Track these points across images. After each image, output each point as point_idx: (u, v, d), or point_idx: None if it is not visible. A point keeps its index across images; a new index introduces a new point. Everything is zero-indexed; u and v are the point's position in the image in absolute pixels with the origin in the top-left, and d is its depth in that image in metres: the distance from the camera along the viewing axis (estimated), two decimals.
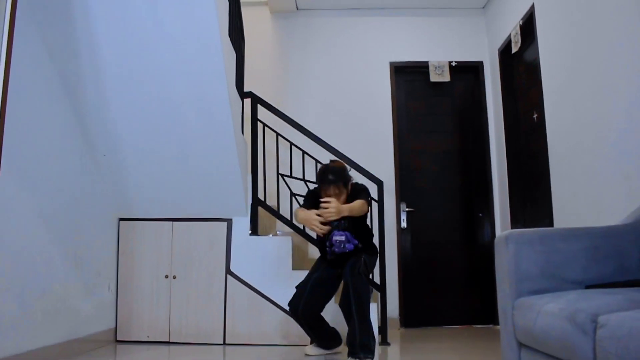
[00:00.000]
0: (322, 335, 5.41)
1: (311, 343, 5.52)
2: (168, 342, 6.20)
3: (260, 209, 6.53)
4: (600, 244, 3.42)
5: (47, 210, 4.92)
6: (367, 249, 5.33)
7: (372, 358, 4.85)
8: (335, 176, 5.17)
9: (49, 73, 5.02)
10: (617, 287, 3.12)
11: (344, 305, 5.00)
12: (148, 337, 6.23)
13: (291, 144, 6.58)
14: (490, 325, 7.65)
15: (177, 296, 6.26)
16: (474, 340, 6.66)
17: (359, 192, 5.29)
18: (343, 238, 5.18)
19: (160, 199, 6.26)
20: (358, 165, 6.43)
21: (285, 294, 5.65)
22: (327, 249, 5.27)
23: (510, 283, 3.35)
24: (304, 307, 5.15)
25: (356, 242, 5.21)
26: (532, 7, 6.40)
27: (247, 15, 7.28)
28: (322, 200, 5.02)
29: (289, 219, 6.50)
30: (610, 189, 4.82)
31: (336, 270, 5.29)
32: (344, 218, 5.13)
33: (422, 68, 8.27)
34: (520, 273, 3.33)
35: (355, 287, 4.88)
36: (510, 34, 7.14)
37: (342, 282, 5.07)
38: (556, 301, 2.84)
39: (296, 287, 5.30)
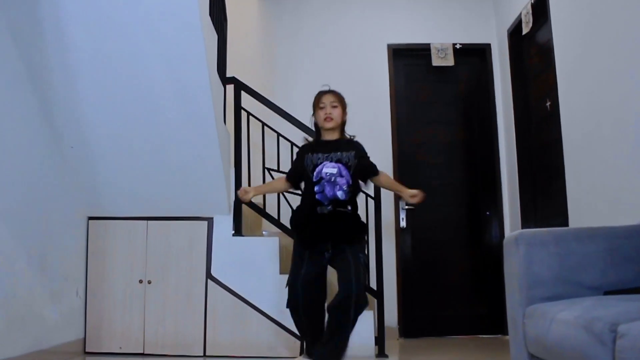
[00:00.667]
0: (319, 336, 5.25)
1: (301, 354, 5.50)
2: (142, 354, 6.18)
3: (244, 206, 6.48)
4: (620, 246, 3.43)
5: (9, 209, 4.91)
6: (357, 220, 5.18)
7: None
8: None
9: (11, 56, 5.00)
10: (639, 293, 3.12)
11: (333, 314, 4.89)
12: (120, 348, 6.20)
13: (278, 134, 6.57)
14: (499, 335, 7.67)
15: (152, 303, 6.24)
16: (480, 351, 6.69)
17: (364, 154, 5.26)
18: (335, 170, 4.95)
19: (134, 195, 6.23)
20: None
21: (272, 300, 5.67)
22: (317, 195, 5.03)
23: (521, 288, 3.36)
24: (304, 307, 5.00)
25: (349, 181, 4.99)
26: None
27: None
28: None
29: (277, 217, 6.49)
30: (631, 184, 4.79)
31: (323, 257, 5.05)
32: (337, 149, 5.09)
33: (423, 51, 8.27)
34: (532, 277, 3.33)
35: (356, 309, 4.80)
36: (520, 14, 7.12)
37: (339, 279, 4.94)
38: (571, 308, 2.84)
39: (288, 286, 5.11)
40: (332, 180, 4.91)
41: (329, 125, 5.10)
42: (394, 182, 5.57)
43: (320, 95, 5.22)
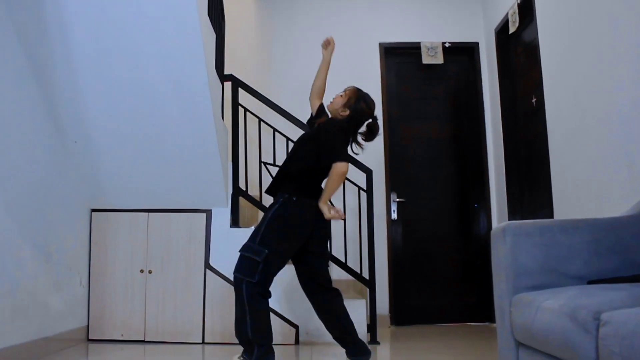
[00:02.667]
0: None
1: (297, 343, 5.43)
2: (143, 341, 6.19)
3: (241, 199, 6.53)
4: (603, 237, 3.44)
5: (14, 201, 4.90)
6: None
7: None
8: None
9: (16, 54, 4.98)
10: (621, 282, 3.12)
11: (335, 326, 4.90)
12: (122, 335, 6.21)
13: (274, 130, 6.56)
14: (487, 323, 7.69)
15: (153, 292, 6.25)
16: (469, 338, 6.69)
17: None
18: None
19: (135, 188, 6.23)
20: None
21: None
22: None
23: (508, 278, 3.36)
24: None
25: None
26: None
27: None
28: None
29: None
30: (614, 178, 4.81)
31: None
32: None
33: (413, 49, 8.29)
34: (518, 267, 3.33)
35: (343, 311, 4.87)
36: (507, 13, 7.13)
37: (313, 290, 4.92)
38: (556, 297, 2.85)
39: None
40: None
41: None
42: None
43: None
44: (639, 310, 2.20)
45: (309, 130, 5.26)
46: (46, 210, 5.43)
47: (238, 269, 4.56)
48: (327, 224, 4.95)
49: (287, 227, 4.68)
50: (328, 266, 5.30)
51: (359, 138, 5.16)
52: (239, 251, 4.62)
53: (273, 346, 4.54)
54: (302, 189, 4.76)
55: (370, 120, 5.14)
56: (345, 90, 5.15)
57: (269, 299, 4.63)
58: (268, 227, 4.65)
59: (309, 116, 5.46)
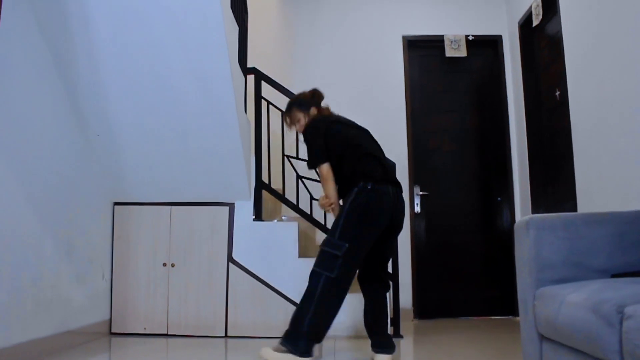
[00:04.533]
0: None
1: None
2: (166, 335, 6.21)
3: (264, 192, 6.51)
4: (627, 230, 3.42)
5: (38, 195, 4.92)
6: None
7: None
8: None
9: (40, 49, 5.01)
10: None
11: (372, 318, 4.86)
12: (145, 329, 6.24)
13: None
14: (510, 317, 7.67)
15: (175, 285, 6.27)
16: (492, 332, 6.67)
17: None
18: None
19: (158, 182, 6.25)
20: None
21: (290, 283, 5.68)
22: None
23: (531, 271, 3.35)
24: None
25: None
26: None
27: None
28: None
29: (295, 203, 6.47)
30: (638, 172, 4.80)
31: None
32: None
33: (437, 42, 8.28)
34: (542, 261, 3.32)
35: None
36: (531, 6, 7.10)
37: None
38: (580, 291, 2.83)
39: None
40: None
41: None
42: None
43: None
44: None
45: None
46: (69, 203, 5.45)
47: (317, 264, 4.52)
48: (402, 213, 4.90)
49: (366, 217, 4.60)
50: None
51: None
52: (320, 246, 4.59)
53: None
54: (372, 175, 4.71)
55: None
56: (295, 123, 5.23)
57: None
58: (346, 219, 4.59)
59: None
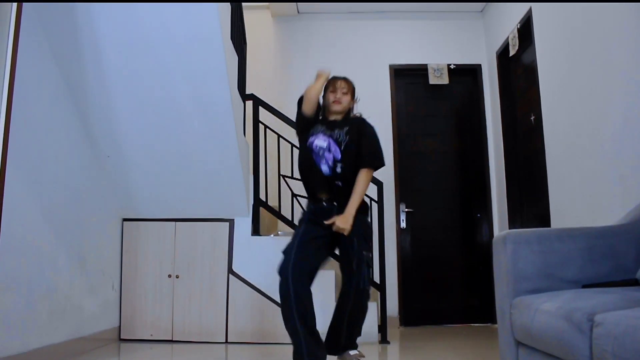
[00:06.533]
0: (313, 326, 4.48)
1: None
2: (171, 341, 6.22)
3: (261, 209, 6.56)
4: (597, 244, 3.43)
5: (53, 211, 4.94)
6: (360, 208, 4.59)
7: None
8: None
9: (54, 75, 5.04)
10: (613, 286, 3.13)
11: (339, 313, 4.61)
12: (151, 335, 6.25)
13: (292, 145, 6.55)
14: (489, 324, 7.65)
15: (180, 295, 6.28)
16: (472, 338, 6.67)
17: (365, 132, 4.84)
18: (324, 144, 4.62)
19: (164, 199, 6.28)
20: None
21: None
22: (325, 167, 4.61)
23: (508, 282, 3.36)
24: (293, 268, 4.34)
25: (337, 157, 4.57)
26: (530, 11, 6.41)
27: (249, 18, 7.29)
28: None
29: (290, 219, 6.50)
30: (606, 190, 4.84)
31: (322, 230, 4.50)
32: (334, 128, 4.73)
33: (421, 71, 8.28)
34: (518, 272, 3.33)
35: (358, 307, 4.51)
36: (508, 37, 7.14)
37: (344, 281, 4.56)
38: (553, 300, 2.85)
39: (283, 252, 4.50)
40: (320, 154, 4.58)
41: (336, 108, 4.78)
42: (356, 193, 4.56)
43: (334, 80, 4.91)
44: (630, 312, 2.20)
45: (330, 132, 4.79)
46: (81, 219, 5.46)
47: (366, 282, 4.42)
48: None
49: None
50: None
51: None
52: (363, 265, 4.41)
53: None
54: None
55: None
56: (343, 88, 4.88)
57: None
58: (369, 234, 4.69)
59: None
